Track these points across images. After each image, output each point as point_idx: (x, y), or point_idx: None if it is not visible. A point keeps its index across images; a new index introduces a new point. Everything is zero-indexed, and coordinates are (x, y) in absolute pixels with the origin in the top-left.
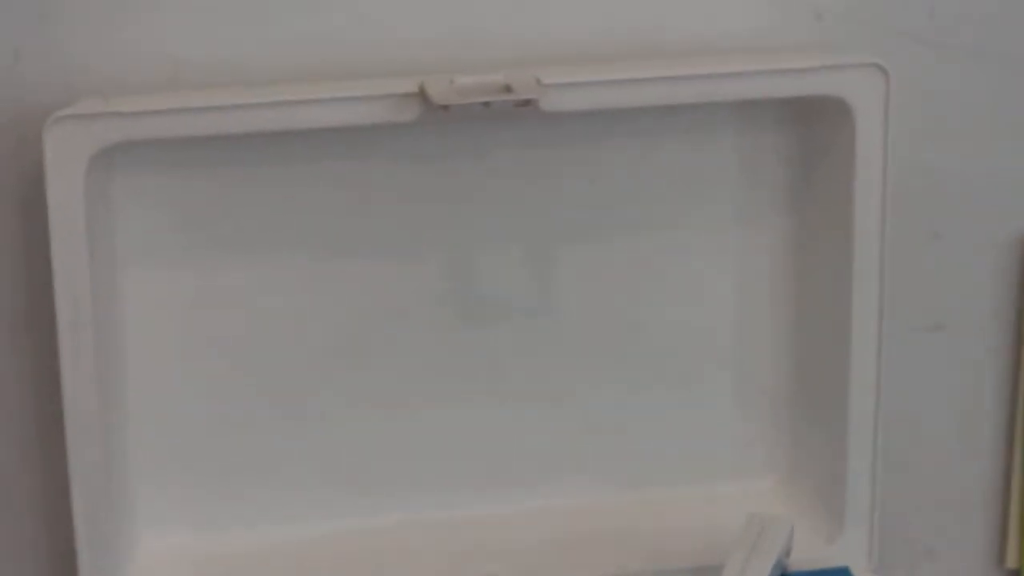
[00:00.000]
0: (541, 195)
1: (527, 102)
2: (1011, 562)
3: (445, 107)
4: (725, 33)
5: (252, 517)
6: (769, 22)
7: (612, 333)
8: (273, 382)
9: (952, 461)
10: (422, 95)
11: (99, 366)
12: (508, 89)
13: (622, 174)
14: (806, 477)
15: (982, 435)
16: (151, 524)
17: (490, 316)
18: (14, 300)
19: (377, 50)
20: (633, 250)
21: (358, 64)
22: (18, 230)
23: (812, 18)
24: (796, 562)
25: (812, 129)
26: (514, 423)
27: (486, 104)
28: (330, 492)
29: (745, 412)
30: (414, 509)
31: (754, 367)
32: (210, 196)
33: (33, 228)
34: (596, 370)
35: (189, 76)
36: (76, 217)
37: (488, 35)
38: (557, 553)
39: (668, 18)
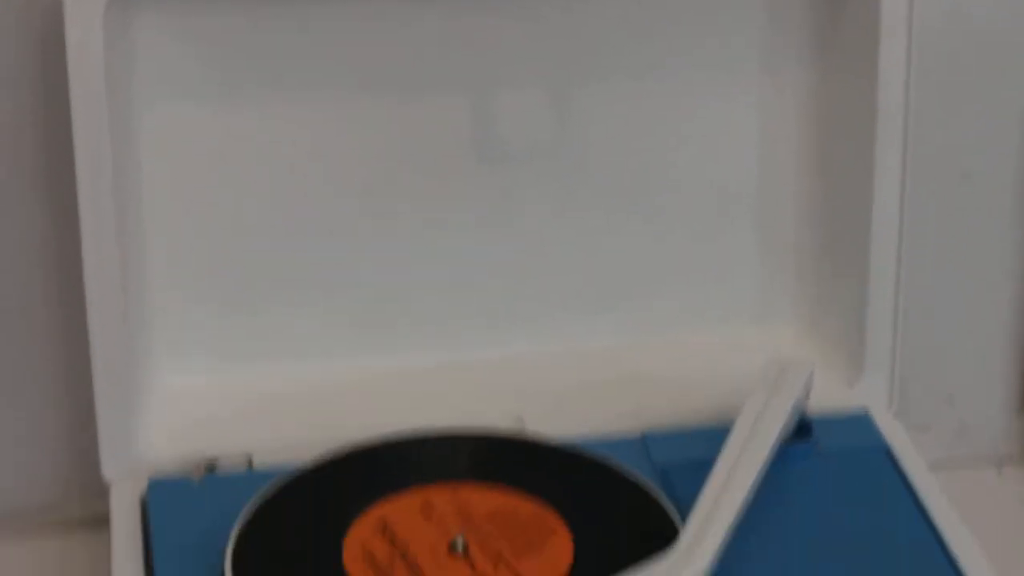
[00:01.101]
0: (564, 35)
1: None
2: None
3: None
4: None
5: (271, 356)
6: None
7: (634, 177)
8: (293, 220)
9: (974, 309)
10: None
11: (118, 205)
12: None
13: (645, 15)
14: (827, 324)
15: (1004, 283)
16: (170, 362)
17: (512, 157)
18: (34, 139)
19: None
20: (655, 94)
21: None
22: (37, 69)
23: None
24: (816, 406)
25: None
26: (536, 267)
27: None
28: (351, 332)
29: (767, 258)
30: (436, 350)
31: (777, 213)
32: (231, 34)
33: (53, 67)
34: (618, 214)
35: None
36: (95, 55)
37: None
38: (578, 396)
39: None
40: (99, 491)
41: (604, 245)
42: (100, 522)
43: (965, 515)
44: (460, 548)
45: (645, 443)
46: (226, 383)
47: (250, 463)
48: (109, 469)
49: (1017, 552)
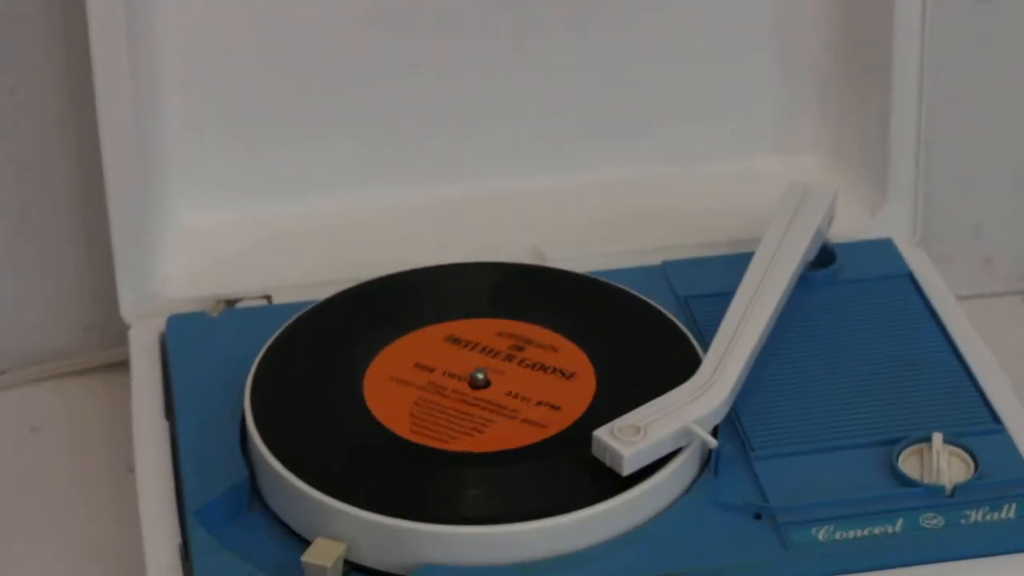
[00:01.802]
0: None
1: None
2: None
3: None
4: None
5: (288, 192)
6: None
7: (652, 4)
8: (311, 53)
9: (1000, 138)
10: None
11: (131, 41)
12: None
13: None
14: (850, 152)
15: None
16: (187, 200)
17: None
18: None
19: None
20: None
21: None
22: None
23: None
24: (839, 234)
25: None
26: (554, 98)
27: None
28: (369, 167)
29: (788, 86)
30: (456, 184)
31: (797, 39)
32: None
33: None
34: (637, 43)
35: None
36: None
37: None
38: (598, 227)
39: None
40: (119, 337)
41: (623, 75)
42: (121, 366)
43: (989, 343)
44: (481, 380)
45: (665, 273)
46: (244, 221)
47: (269, 301)
48: (128, 309)
49: None
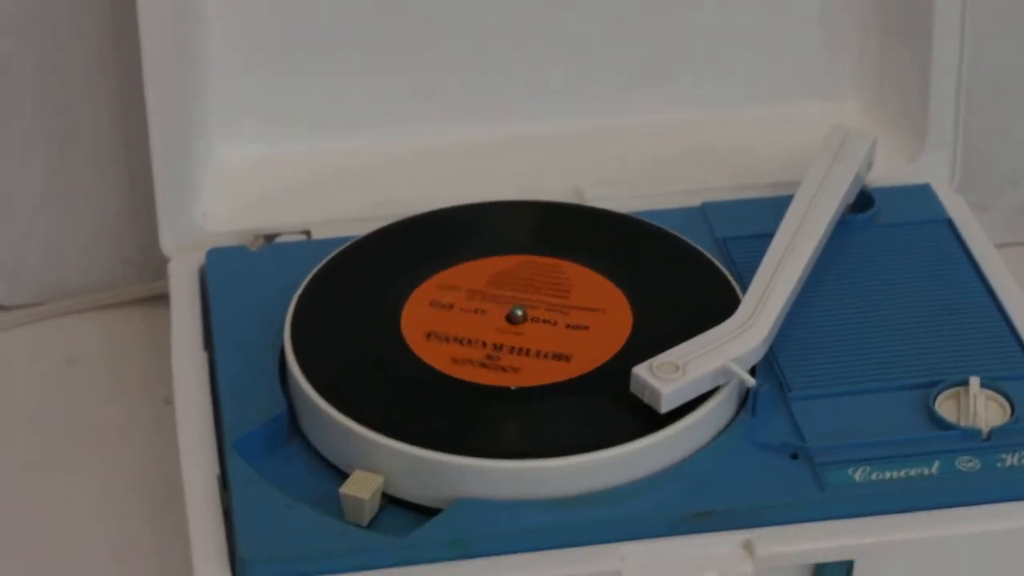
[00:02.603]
0: None
1: None
2: None
3: None
4: None
5: (329, 129)
6: None
7: None
8: None
9: None
10: None
11: None
12: None
13: None
14: (889, 98)
15: None
16: (228, 135)
17: None
18: None
19: None
20: None
21: None
22: None
23: None
24: (877, 179)
25: None
26: (597, 40)
27: None
28: (410, 105)
29: (829, 31)
30: (496, 123)
31: None
32: None
33: None
34: None
35: None
36: None
37: None
38: (638, 169)
39: None
40: (158, 271)
41: (666, 17)
42: (158, 300)
43: None
44: (520, 316)
45: (705, 214)
46: (284, 156)
47: (308, 236)
48: (167, 243)
49: None
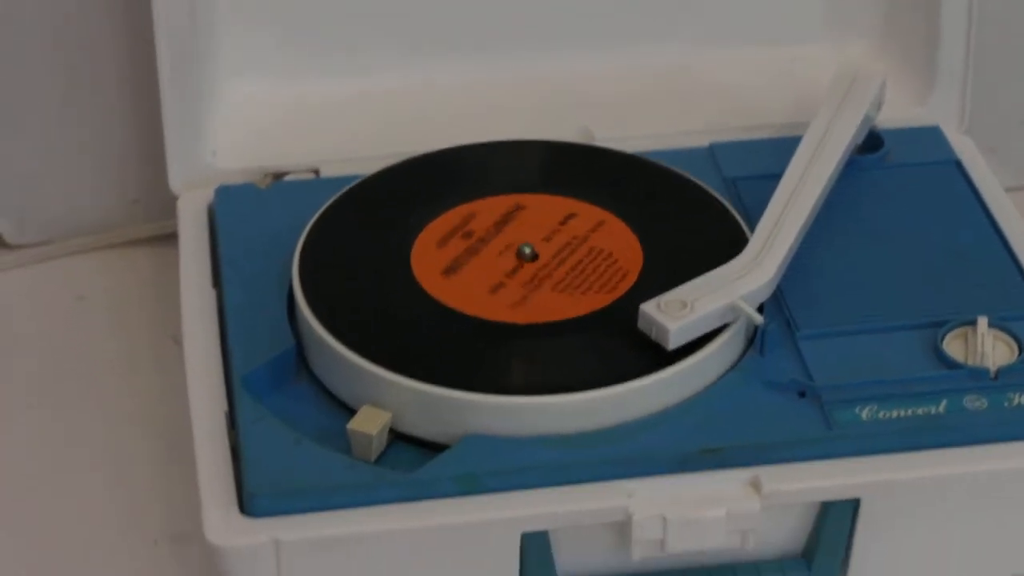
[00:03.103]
0: None
1: None
2: None
3: None
4: None
5: (336, 67)
6: None
7: None
8: None
9: None
10: None
11: None
12: None
13: None
14: (899, 39)
15: None
16: (237, 73)
17: None
18: None
19: None
20: None
21: None
22: None
23: None
24: (886, 121)
25: None
26: None
27: None
28: (420, 44)
29: None
30: (504, 62)
31: None
32: None
33: None
34: None
35: None
36: None
37: None
38: (646, 108)
39: None
40: (166, 210)
41: None
42: (167, 239)
43: None
44: (528, 254)
45: (713, 154)
46: (294, 94)
47: (316, 174)
48: (176, 180)
49: None
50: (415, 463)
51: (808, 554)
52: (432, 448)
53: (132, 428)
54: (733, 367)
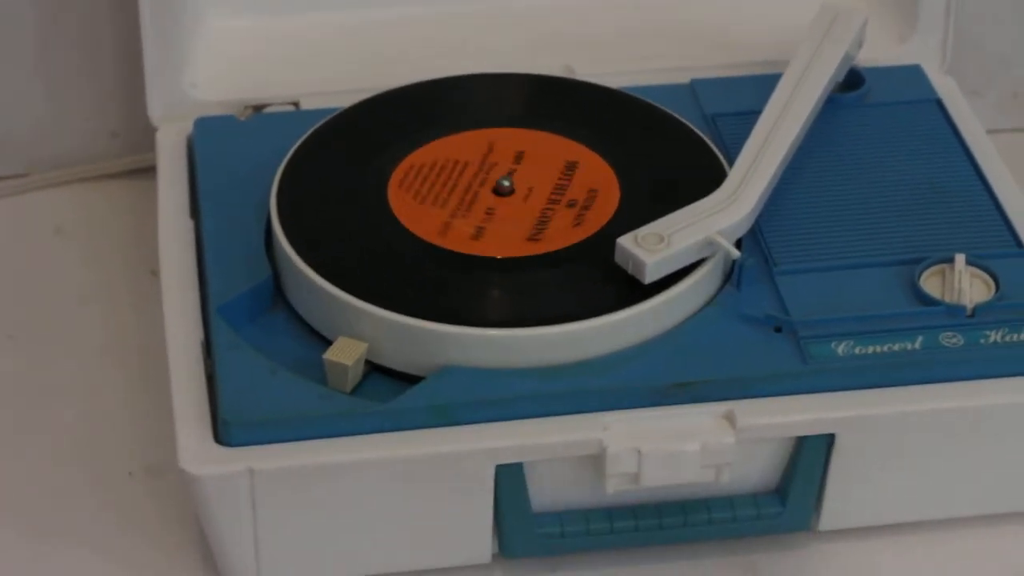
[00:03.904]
0: None
1: None
2: None
3: None
4: None
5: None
6: None
7: None
8: None
9: None
10: None
11: None
12: None
13: None
14: None
15: None
16: (217, 3)
17: None
18: None
19: None
20: None
21: None
22: None
23: None
24: (867, 60)
25: None
26: None
27: None
28: None
29: None
30: None
31: None
32: None
33: None
34: None
35: None
36: None
37: None
38: (629, 44)
39: None
40: (146, 144)
41: None
42: (146, 172)
43: (1016, 176)
44: (507, 188)
45: (693, 90)
46: (273, 27)
47: (296, 107)
48: (156, 111)
49: None
50: (391, 394)
51: (782, 489)
52: (408, 380)
53: (109, 360)
54: (710, 302)
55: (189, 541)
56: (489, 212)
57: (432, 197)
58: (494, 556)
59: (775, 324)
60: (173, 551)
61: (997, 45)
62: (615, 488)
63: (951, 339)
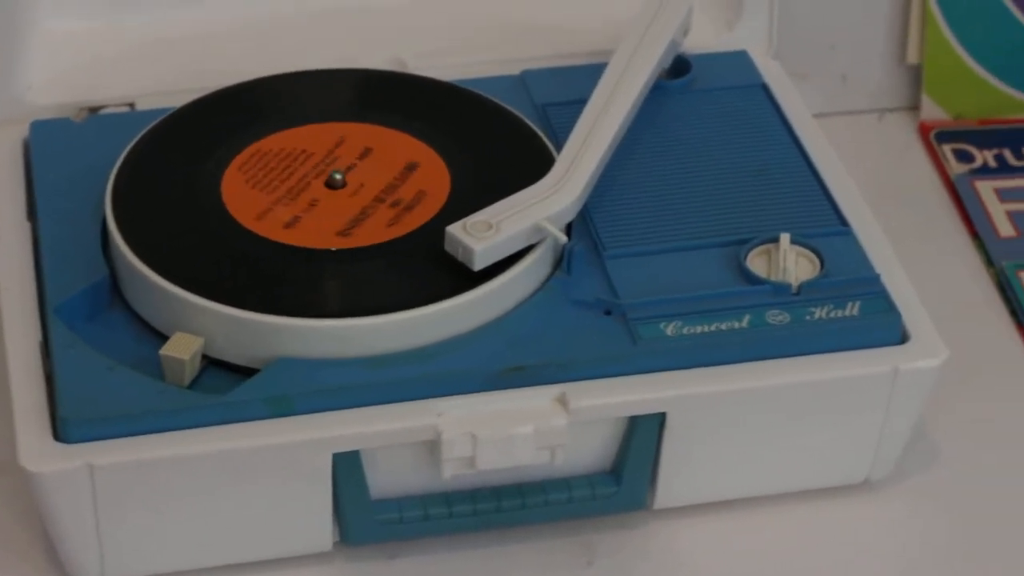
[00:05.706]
0: None
1: None
2: (912, 58)
3: None
4: None
5: (153, 1)
6: None
7: None
8: None
9: None
10: None
11: None
12: None
13: None
14: None
15: None
16: (52, 6)
17: None
18: None
19: None
20: None
21: None
22: None
23: None
24: (694, 47)
25: None
26: None
27: None
28: None
29: None
30: None
31: None
32: None
33: None
34: None
35: None
36: None
37: None
38: (459, 38)
39: None
40: None
41: None
42: None
43: (844, 160)
44: (338, 181)
45: (524, 81)
46: (109, 28)
47: (132, 107)
48: None
49: (892, 195)
50: (228, 387)
51: (617, 469)
52: (245, 373)
53: None
54: (541, 287)
55: (35, 538)
56: (313, 203)
57: (265, 183)
58: (335, 544)
59: (605, 307)
60: (19, 548)
61: (824, 29)
62: (451, 473)
63: (777, 317)
